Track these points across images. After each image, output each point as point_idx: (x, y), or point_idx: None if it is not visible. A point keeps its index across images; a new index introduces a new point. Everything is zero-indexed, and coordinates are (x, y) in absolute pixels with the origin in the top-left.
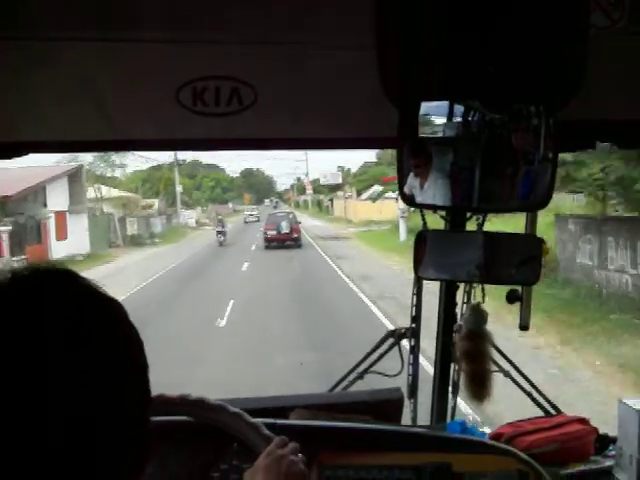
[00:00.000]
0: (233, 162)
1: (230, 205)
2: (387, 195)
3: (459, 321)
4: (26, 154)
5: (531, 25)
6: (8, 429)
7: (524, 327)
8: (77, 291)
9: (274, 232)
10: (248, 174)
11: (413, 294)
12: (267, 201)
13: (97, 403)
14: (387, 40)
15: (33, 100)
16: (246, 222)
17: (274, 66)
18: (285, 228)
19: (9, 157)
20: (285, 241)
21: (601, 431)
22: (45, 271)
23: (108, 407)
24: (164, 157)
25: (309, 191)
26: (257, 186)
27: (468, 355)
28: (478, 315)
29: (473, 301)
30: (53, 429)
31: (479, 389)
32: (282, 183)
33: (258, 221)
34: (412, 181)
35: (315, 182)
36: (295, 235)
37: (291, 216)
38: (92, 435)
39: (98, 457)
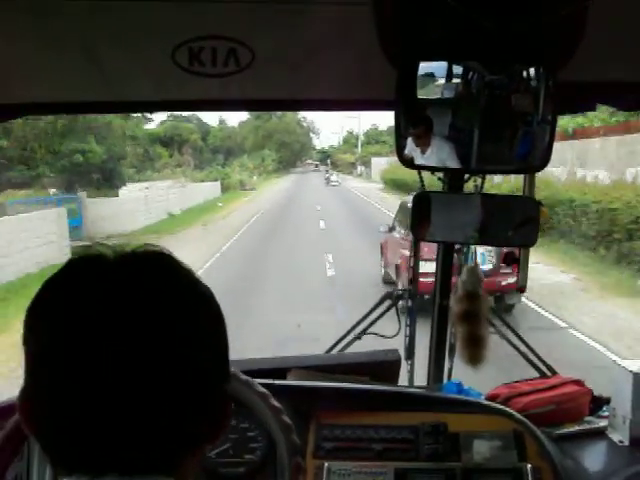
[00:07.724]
0: None
1: None
2: None
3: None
4: (22, 116)
5: None
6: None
7: (521, 289)
8: (182, 272)
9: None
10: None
11: (410, 256)
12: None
13: (194, 370)
14: None
15: (28, 60)
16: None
17: (271, 26)
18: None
19: (5, 119)
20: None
21: (596, 392)
22: (149, 252)
23: (201, 378)
24: None
25: None
26: (280, 136)
27: (464, 316)
28: (474, 276)
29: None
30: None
31: (475, 351)
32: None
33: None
34: (411, 144)
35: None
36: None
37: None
38: (189, 391)
39: (192, 411)
